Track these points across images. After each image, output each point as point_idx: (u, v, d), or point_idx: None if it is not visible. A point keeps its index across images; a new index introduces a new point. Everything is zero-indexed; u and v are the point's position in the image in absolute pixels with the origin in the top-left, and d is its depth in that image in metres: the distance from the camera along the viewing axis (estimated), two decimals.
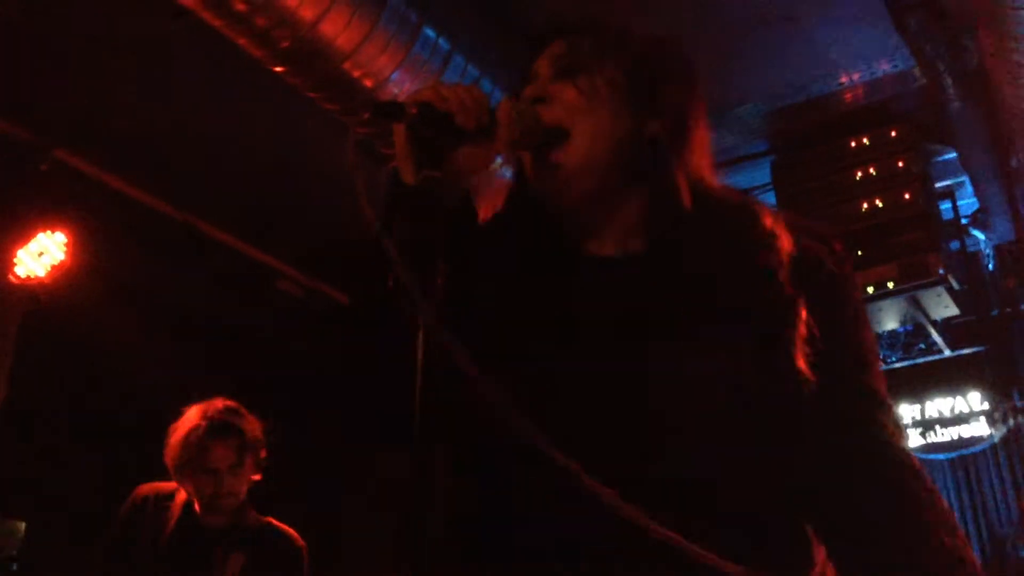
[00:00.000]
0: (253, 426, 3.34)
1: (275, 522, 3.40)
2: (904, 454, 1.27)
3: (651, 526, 1.03)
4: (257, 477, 3.35)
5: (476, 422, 1.22)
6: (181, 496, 3.25)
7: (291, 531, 3.40)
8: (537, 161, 1.35)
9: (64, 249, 4.55)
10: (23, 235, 4.48)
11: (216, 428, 3.21)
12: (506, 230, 1.42)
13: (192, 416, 3.27)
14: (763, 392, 1.22)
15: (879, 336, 5.84)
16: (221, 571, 3.17)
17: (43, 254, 4.50)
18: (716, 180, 1.40)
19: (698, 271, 1.28)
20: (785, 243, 1.30)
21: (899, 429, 1.30)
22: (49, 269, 4.51)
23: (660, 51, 1.43)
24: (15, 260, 4.45)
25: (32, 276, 4.48)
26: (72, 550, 4.14)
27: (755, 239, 1.30)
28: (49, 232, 4.52)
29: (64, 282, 4.60)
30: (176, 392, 3.81)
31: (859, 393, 1.29)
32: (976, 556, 1.23)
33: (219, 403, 3.32)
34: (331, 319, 6.07)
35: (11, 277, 4.45)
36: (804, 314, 1.26)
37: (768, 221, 1.33)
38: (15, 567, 5.15)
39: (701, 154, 1.39)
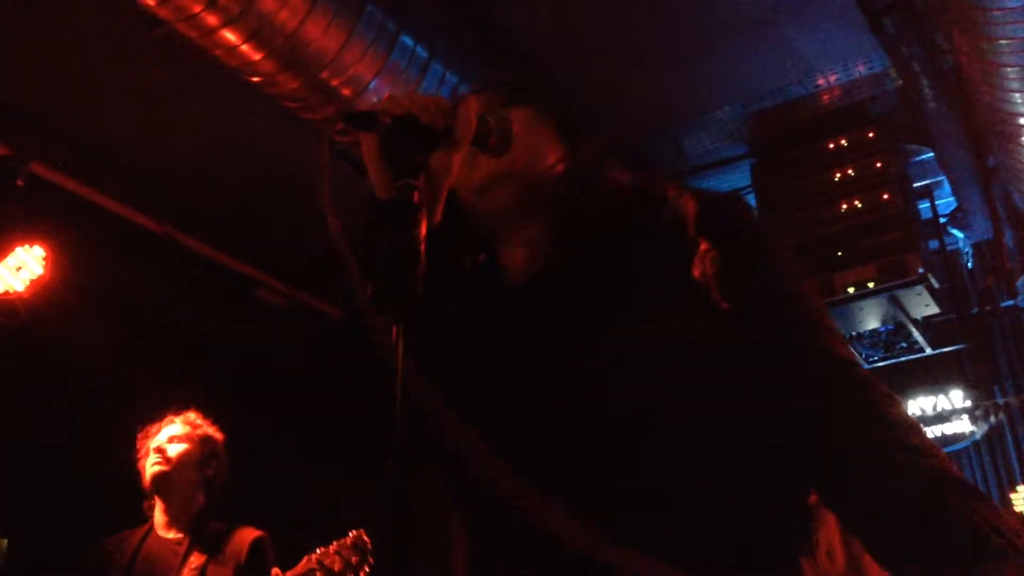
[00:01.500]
0: (208, 430, 3.55)
1: (238, 526, 3.46)
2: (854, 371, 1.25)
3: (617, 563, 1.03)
4: (219, 488, 3.51)
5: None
6: (140, 530, 3.42)
7: (250, 529, 3.48)
8: (489, 165, 1.40)
9: (43, 263, 4.51)
10: (1, 250, 4.43)
11: (173, 430, 3.46)
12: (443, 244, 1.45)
13: (154, 422, 3.53)
14: (715, 356, 1.24)
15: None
16: (179, 571, 3.23)
17: (21, 268, 4.46)
18: (621, 175, 1.49)
19: (620, 259, 1.34)
20: (689, 205, 1.36)
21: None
22: (28, 283, 4.46)
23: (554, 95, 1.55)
24: None
25: (11, 290, 4.43)
26: (53, 566, 4.11)
27: (660, 213, 1.37)
28: (27, 247, 4.48)
29: (43, 296, 4.56)
30: (158, 404, 3.80)
31: (814, 353, 1.27)
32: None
33: (179, 412, 3.57)
34: (312, 328, 6.05)
35: None
36: (707, 248, 1.30)
37: (671, 192, 1.40)
38: None
39: (610, 163, 1.49)
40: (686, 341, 1.24)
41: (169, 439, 3.45)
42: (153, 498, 3.44)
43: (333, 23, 3.47)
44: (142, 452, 3.48)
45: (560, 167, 1.45)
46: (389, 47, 3.73)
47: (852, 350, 1.33)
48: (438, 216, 1.30)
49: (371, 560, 3.23)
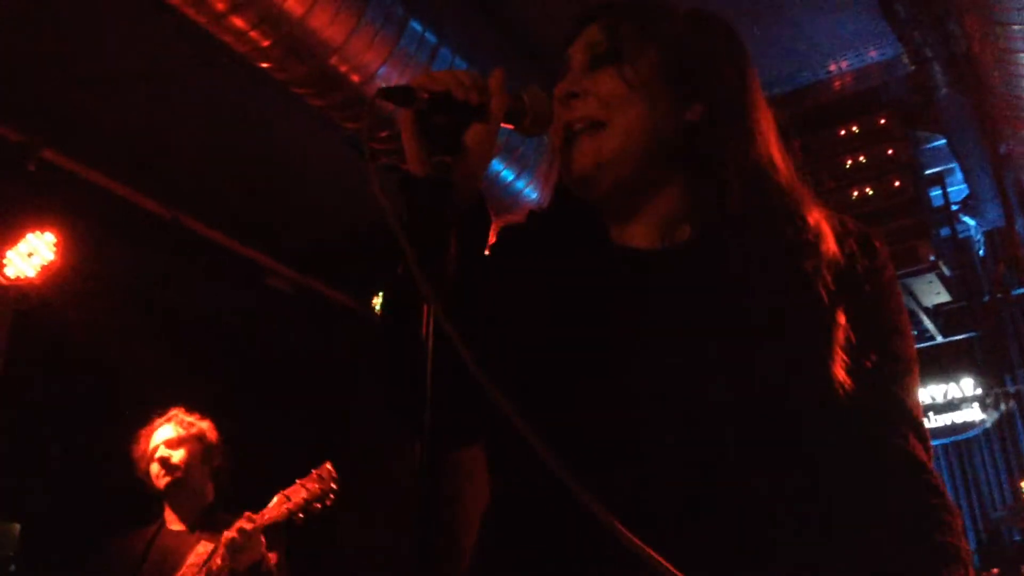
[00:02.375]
0: (208, 430, 3.64)
1: (247, 513, 3.51)
2: (923, 471, 1.21)
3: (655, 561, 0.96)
4: (224, 482, 3.64)
5: (495, 424, 1.18)
6: (152, 526, 3.52)
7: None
8: (568, 151, 1.31)
9: (54, 249, 4.53)
10: (12, 236, 4.45)
11: (169, 429, 3.55)
12: (541, 221, 1.41)
13: (150, 423, 3.62)
14: (795, 398, 1.17)
15: None
16: (185, 557, 3.31)
17: (32, 254, 4.48)
18: (780, 163, 1.33)
19: (736, 270, 1.23)
20: (830, 245, 1.26)
21: (925, 445, 1.25)
22: (39, 269, 4.48)
23: (704, 30, 1.37)
24: (4, 261, 4.42)
25: (22, 277, 4.46)
26: (67, 551, 4.14)
27: (798, 239, 1.25)
28: (38, 232, 4.50)
29: (54, 282, 4.58)
30: (167, 390, 3.83)
31: (894, 407, 1.24)
32: (970, 546, 1.22)
33: (175, 410, 3.65)
34: (320, 314, 6.07)
35: (0, 278, 4.43)
36: (843, 320, 1.21)
37: (813, 219, 1.28)
38: (12, 569, 5.15)
39: (758, 138, 1.31)
40: (779, 380, 1.17)
41: (167, 444, 3.52)
42: (163, 501, 3.54)
43: (342, 10, 3.46)
44: (139, 458, 3.56)
45: (666, 141, 1.30)
46: (398, 33, 3.72)
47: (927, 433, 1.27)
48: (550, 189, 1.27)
49: (335, 487, 3.37)
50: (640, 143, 1.28)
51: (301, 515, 3.32)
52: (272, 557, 3.32)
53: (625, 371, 1.20)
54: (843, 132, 5.45)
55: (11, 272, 4.43)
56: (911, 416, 1.25)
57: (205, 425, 3.65)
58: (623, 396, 1.19)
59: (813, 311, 1.21)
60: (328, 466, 3.43)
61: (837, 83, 5.27)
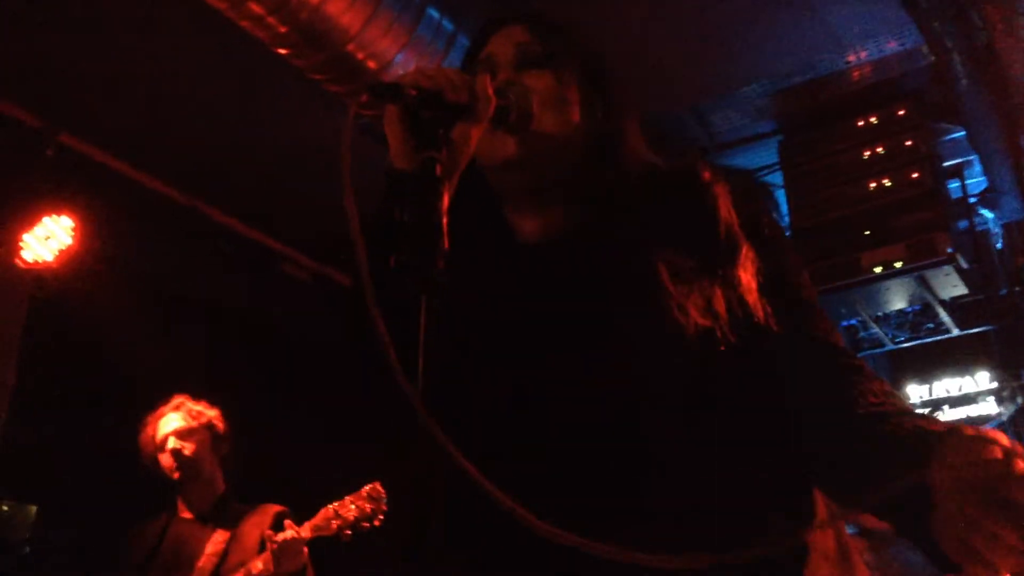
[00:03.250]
0: (215, 418, 3.63)
1: (261, 504, 3.52)
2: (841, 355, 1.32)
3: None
4: (232, 470, 3.64)
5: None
6: (164, 516, 3.54)
7: (272, 505, 3.56)
8: (502, 136, 1.38)
9: (71, 233, 4.56)
10: (30, 220, 4.48)
11: (176, 417, 3.54)
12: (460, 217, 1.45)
13: (156, 411, 3.61)
14: (728, 346, 1.27)
15: (887, 316, 5.82)
16: (203, 547, 3.30)
17: (50, 238, 4.51)
18: (655, 158, 1.50)
19: (656, 236, 1.35)
20: (723, 197, 1.38)
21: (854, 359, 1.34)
22: (56, 253, 4.51)
23: (599, 45, 1.54)
24: (22, 244, 4.46)
25: (39, 260, 4.49)
26: (82, 534, 4.18)
27: (697, 195, 1.39)
28: (55, 216, 4.53)
29: (71, 266, 4.61)
30: (182, 376, 3.85)
31: (819, 342, 1.34)
32: None
33: (181, 398, 3.64)
34: (337, 303, 6.07)
35: (18, 261, 4.46)
36: (746, 249, 1.34)
37: (707, 176, 1.42)
38: (27, 551, 5.19)
39: (637, 130, 1.50)
40: (703, 333, 1.26)
41: (178, 435, 3.51)
42: (176, 491, 3.54)
43: None
44: (146, 445, 3.56)
45: (585, 141, 1.43)
46: (415, 20, 3.72)
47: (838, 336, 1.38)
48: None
49: (384, 508, 3.34)
50: (566, 138, 1.41)
51: (348, 532, 3.30)
52: (312, 572, 3.33)
53: (564, 362, 1.29)
54: (861, 123, 5.40)
55: (29, 256, 4.46)
56: (839, 348, 1.36)
57: (213, 413, 3.64)
58: (564, 383, 1.28)
59: (720, 244, 1.34)
60: (377, 486, 3.39)
61: (856, 74, 5.23)
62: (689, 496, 1.20)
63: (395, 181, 1.23)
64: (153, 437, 3.53)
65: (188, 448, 3.50)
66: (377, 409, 1.19)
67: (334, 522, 3.31)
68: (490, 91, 1.29)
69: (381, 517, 3.34)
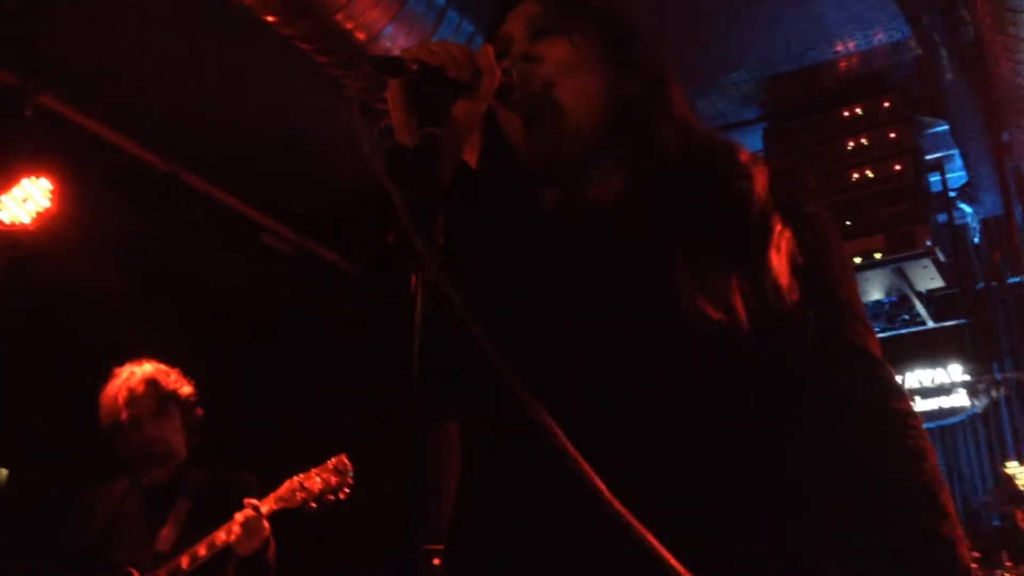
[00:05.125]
0: (178, 383, 3.49)
1: (227, 471, 3.47)
2: (896, 418, 1.24)
3: (633, 527, 1.01)
4: (196, 438, 3.51)
5: (478, 388, 1.23)
6: (125, 479, 3.43)
7: (240, 471, 3.48)
8: (526, 118, 1.35)
9: (49, 196, 4.50)
10: (7, 181, 4.42)
11: (137, 380, 3.40)
12: (481, 189, 1.43)
13: (117, 374, 3.47)
14: (752, 331, 1.22)
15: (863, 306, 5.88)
16: (167, 516, 3.25)
17: (27, 200, 4.45)
18: (699, 125, 1.44)
19: (681, 215, 1.30)
20: (761, 179, 1.33)
21: (897, 387, 1.29)
22: (34, 216, 4.45)
23: (623, 11, 1.48)
24: None
25: (16, 222, 4.43)
26: (51, 497, 4.15)
27: (731, 175, 1.34)
28: (34, 178, 4.47)
29: (48, 229, 4.55)
30: (155, 343, 3.80)
31: (853, 347, 1.28)
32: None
33: (144, 363, 3.50)
34: (317, 276, 6.05)
35: None
36: (781, 228, 1.29)
37: (744, 158, 1.37)
38: None
39: (680, 104, 1.42)
40: (712, 324, 1.22)
41: (140, 399, 3.38)
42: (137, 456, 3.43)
43: None
44: (107, 409, 3.43)
45: (612, 106, 1.37)
46: None
47: (878, 344, 1.30)
48: (473, 161, 1.30)
49: (351, 481, 3.29)
50: (590, 104, 1.36)
51: (314, 504, 3.25)
52: (273, 543, 3.23)
53: (585, 334, 1.26)
54: (847, 114, 5.43)
55: (5, 217, 4.41)
56: (873, 355, 1.29)
57: (175, 377, 3.51)
58: (584, 355, 1.25)
59: (751, 226, 1.28)
60: (344, 458, 3.33)
61: (843, 64, 5.25)
62: (668, 484, 1.18)
63: (395, 156, 1.20)
64: (115, 401, 3.41)
65: (147, 411, 3.38)
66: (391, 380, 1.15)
67: (299, 494, 3.25)
68: (493, 63, 1.27)
69: (347, 490, 3.29)
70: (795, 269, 1.26)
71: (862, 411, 1.23)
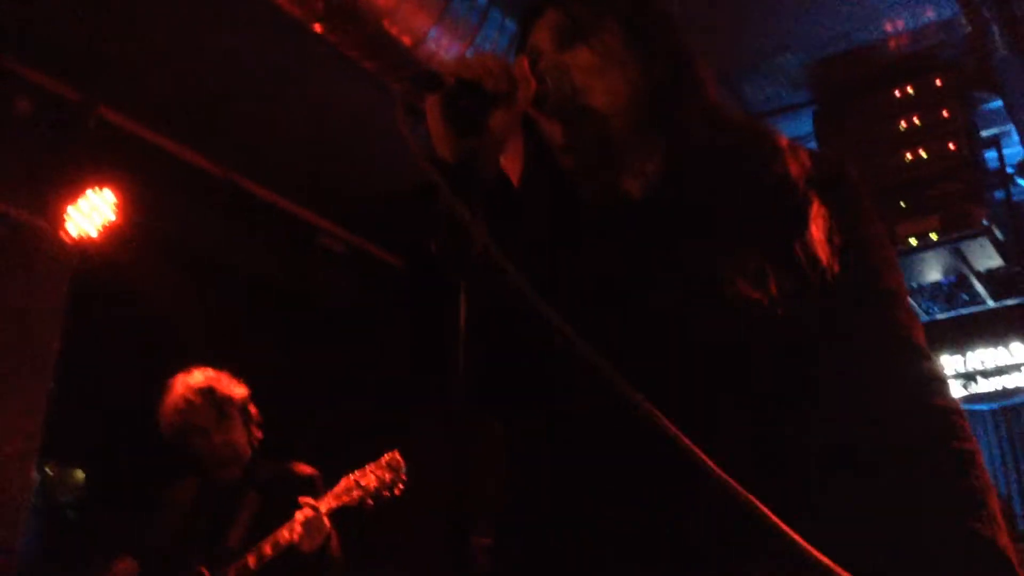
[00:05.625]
0: (231, 386, 3.63)
1: (291, 464, 3.59)
2: (939, 412, 1.22)
3: (719, 476, 0.97)
4: (258, 434, 3.65)
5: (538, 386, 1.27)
6: (197, 477, 3.58)
7: (303, 466, 3.59)
8: (563, 122, 1.38)
9: (113, 207, 4.64)
10: (73, 193, 4.57)
11: (193, 391, 3.54)
12: (527, 194, 1.46)
13: (173, 386, 3.60)
14: (791, 312, 1.23)
15: (921, 288, 5.80)
16: (237, 515, 3.37)
17: (93, 212, 4.59)
18: (729, 109, 1.46)
19: (716, 200, 1.32)
20: (795, 161, 1.35)
21: (939, 379, 1.26)
22: (100, 228, 4.60)
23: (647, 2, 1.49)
24: (66, 218, 4.55)
25: (83, 234, 4.57)
26: (128, 498, 4.29)
27: (768, 157, 1.36)
28: (98, 190, 4.61)
29: (113, 239, 4.70)
30: (220, 345, 3.92)
31: (893, 336, 1.27)
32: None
33: (195, 371, 3.64)
34: (371, 274, 6.15)
35: (62, 235, 4.55)
36: (818, 207, 1.29)
37: (782, 142, 1.39)
38: (72, 514, 5.35)
39: (709, 85, 1.44)
40: (771, 299, 1.23)
41: (199, 406, 3.52)
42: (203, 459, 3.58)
43: None
44: (168, 417, 3.57)
45: (644, 99, 1.39)
46: None
47: (921, 334, 1.29)
48: (513, 167, 1.32)
49: (404, 477, 3.36)
50: (621, 102, 1.38)
51: (370, 502, 3.32)
52: (336, 539, 3.34)
53: (635, 325, 1.27)
54: (898, 93, 5.34)
55: (73, 230, 4.55)
56: (916, 344, 1.28)
57: (227, 381, 3.64)
58: (631, 348, 1.23)
59: (789, 207, 1.29)
60: (397, 455, 3.40)
61: (893, 43, 5.17)
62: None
63: (435, 169, 1.22)
64: (175, 413, 3.55)
65: (212, 422, 3.52)
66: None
67: (355, 492, 3.33)
68: (528, 74, 1.30)
69: (400, 486, 3.36)
70: (834, 247, 1.27)
71: (908, 410, 1.22)
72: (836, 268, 1.26)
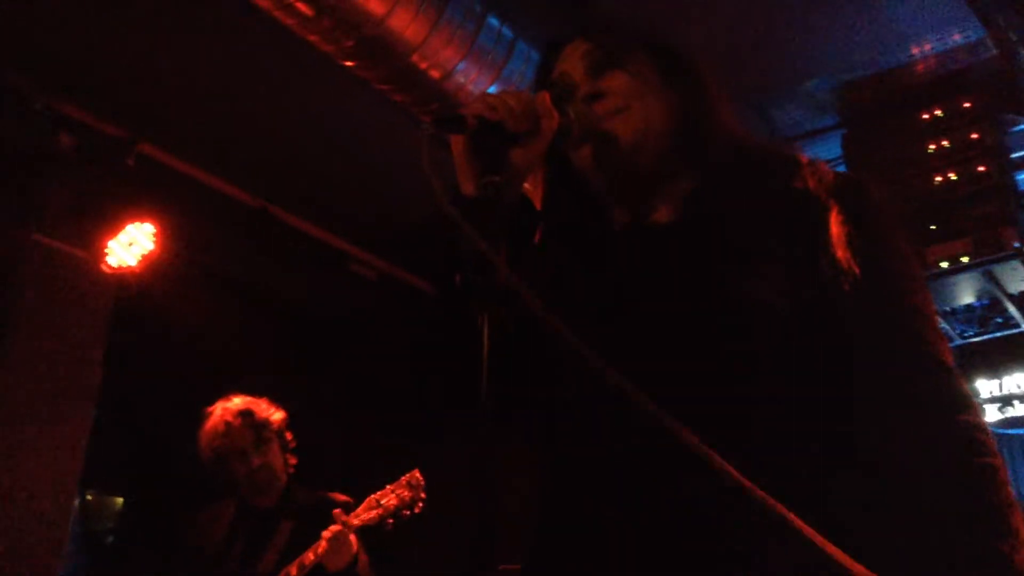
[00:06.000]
0: (270, 411, 3.71)
1: (328, 494, 3.63)
2: (962, 428, 1.22)
3: (787, 516, 0.99)
4: (293, 460, 3.71)
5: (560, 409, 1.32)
6: (233, 502, 3.63)
7: (340, 495, 3.64)
8: (594, 149, 1.43)
9: (153, 239, 4.76)
10: (113, 227, 4.69)
11: (232, 414, 3.62)
12: (553, 217, 1.51)
13: (212, 412, 3.68)
14: (814, 324, 1.26)
15: (954, 312, 5.75)
16: (271, 540, 3.43)
17: (133, 244, 4.71)
18: (750, 132, 1.53)
19: (741, 217, 1.37)
20: (821, 171, 1.40)
21: (963, 395, 1.27)
22: (139, 259, 4.71)
23: (664, 33, 1.56)
24: (106, 251, 4.67)
25: (123, 265, 4.69)
26: (164, 523, 4.37)
27: (789, 173, 1.40)
28: (138, 223, 4.73)
29: (153, 270, 4.81)
30: (257, 371, 3.99)
31: (917, 351, 1.28)
32: None
33: (233, 398, 3.72)
34: (402, 300, 6.21)
35: (103, 267, 4.67)
36: (837, 216, 1.32)
37: (804, 159, 1.44)
38: (111, 540, 5.43)
39: (728, 111, 1.51)
40: (795, 311, 1.26)
41: (237, 433, 3.60)
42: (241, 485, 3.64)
43: (422, 9, 3.57)
44: (206, 444, 3.65)
45: (673, 127, 1.45)
46: (476, 29, 3.81)
47: (947, 351, 1.30)
48: (538, 198, 1.38)
49: (423, 496, 3.42)
50: (656, 125, 1.45)
51: (391, 520, 3.38)
52: (364, 559, 3.39)
53: (658, 342, 1.31)
54: (926, 116, 5.33)
55: (113, 261, 4.67)
56: (940, 359, 1.29)
57: (265, 406, 3.71)
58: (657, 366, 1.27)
59: (810, 216, 1.33)
60: (416, 474, 3.47)
61: (920, 66, 5.17)
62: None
63: (459, 205, 1.27)
64: (214, 437, 3.63)
65: (250, 445, 3.59)
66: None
67: (376, 511, 3.39)
68: (551, 108, 1.34)
69: (421, 504, 3.42)
70: (855, 257, 1.29)
71: (932, 425, 1.22)
72: (859, 280, 1.28)
